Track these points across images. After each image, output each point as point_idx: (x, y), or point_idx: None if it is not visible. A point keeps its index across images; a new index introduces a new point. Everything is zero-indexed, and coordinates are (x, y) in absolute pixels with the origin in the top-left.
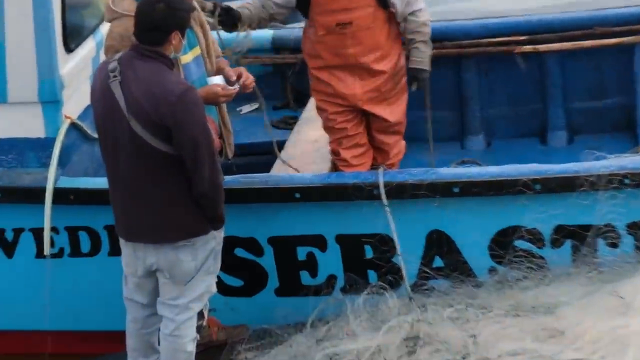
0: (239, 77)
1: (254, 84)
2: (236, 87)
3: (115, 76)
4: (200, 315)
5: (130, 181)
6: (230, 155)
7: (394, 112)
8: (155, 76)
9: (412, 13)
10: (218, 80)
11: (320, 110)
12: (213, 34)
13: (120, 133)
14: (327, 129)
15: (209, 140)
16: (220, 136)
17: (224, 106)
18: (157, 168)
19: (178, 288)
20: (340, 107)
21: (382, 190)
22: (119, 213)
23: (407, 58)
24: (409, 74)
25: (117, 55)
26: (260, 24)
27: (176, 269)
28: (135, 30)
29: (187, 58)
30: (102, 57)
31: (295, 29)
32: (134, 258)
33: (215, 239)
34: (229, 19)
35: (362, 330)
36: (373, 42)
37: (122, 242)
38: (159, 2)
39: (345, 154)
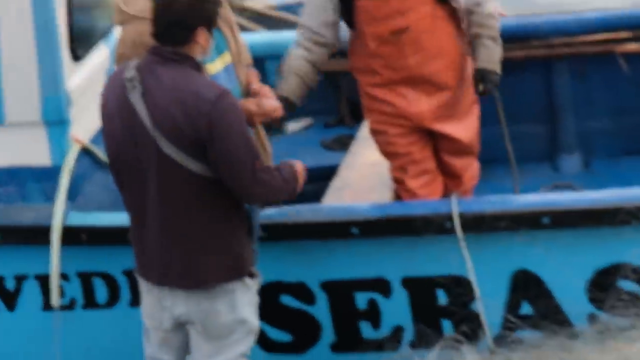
0: (254, 93)
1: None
2: (275, 103)
3: (134, 86)
4: None
5: (157, 212)
6: None
7: (466, 128)
8: (183, 82)
9: (477, 3)
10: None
11: (376, 133)
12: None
13: (144, 154)
14: (388, 154)
15: (251, 154)
16: None
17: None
18: (191, 195)
19: (213, 345)
20: (402, 128)
21: (457, 222)
22: (141, 251)
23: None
24: (476, 75)
25: (134, 62)
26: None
27: (211, 321)
28: (153, 29)
29: (215, 67)
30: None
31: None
32: (159, 307)
33: (254, 288)
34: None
35: None
36: (436, 46)
37: (143, 287)
38: None
39: (411, 183)
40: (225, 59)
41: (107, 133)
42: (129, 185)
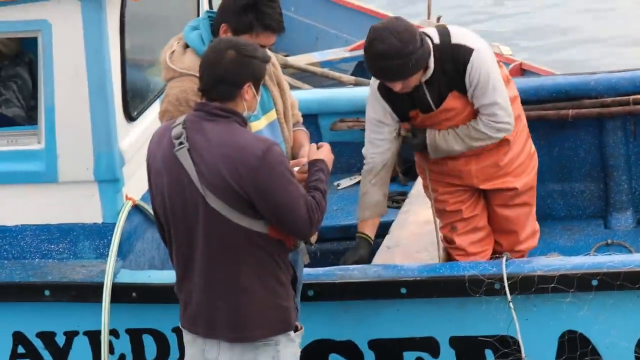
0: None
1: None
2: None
3: (181, 143)
4: None
5: (204, 266)
6: (313, 240)
7: (521, 178)
8: (230, 137)
9: (490, 115)
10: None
11: (427, 189)
12: (294, 94)
13: (192, 209)
14: (438, 212)
15: (302, 202)
16: None
17: None
18: (238, 249)
19: None
20: (452, 186)
21: (506, 284)
22: (187, 304)
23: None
24: (414, 131)
25: (181, 119)
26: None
27: None
28: (201, 84)
29: (259, 124)
30: None
31: None
32: (202, 359)
33: (297, 341)
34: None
35: None
36: None
37: (187, 338)
38: (228, 48)
39: (461, 241)
40: (270, 117)
41: (155, 189)
42: (176, 240)
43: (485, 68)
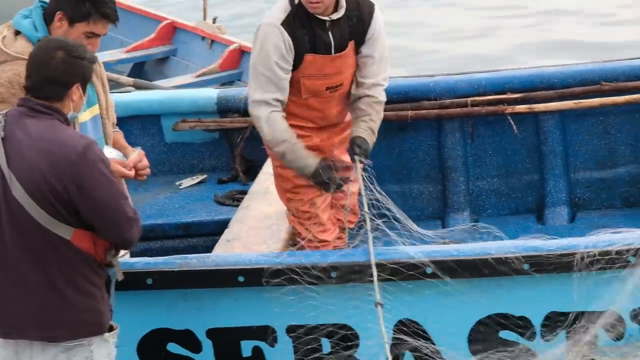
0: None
1: (147, 173)
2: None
3: None
4: None
5: (11, 264)
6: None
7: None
8: (50, 133)
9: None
10: (111, 153)
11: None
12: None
13: (2, 203)
14: (297, 187)
15: (122, 200)
16: None
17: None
18: (45, 249)
19: None
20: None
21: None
22: None
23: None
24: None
25: (3, 111)
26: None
27: None
28: (27, 82)
29: (83, 117)
30: None
31: (244, 88)
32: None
33: (112, 341)
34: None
35: None
36: (347, 100)
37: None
38: (58, 49)
39: (324, 215)
40: (94, 111)
41: None
42: None
43: (382, 24)
